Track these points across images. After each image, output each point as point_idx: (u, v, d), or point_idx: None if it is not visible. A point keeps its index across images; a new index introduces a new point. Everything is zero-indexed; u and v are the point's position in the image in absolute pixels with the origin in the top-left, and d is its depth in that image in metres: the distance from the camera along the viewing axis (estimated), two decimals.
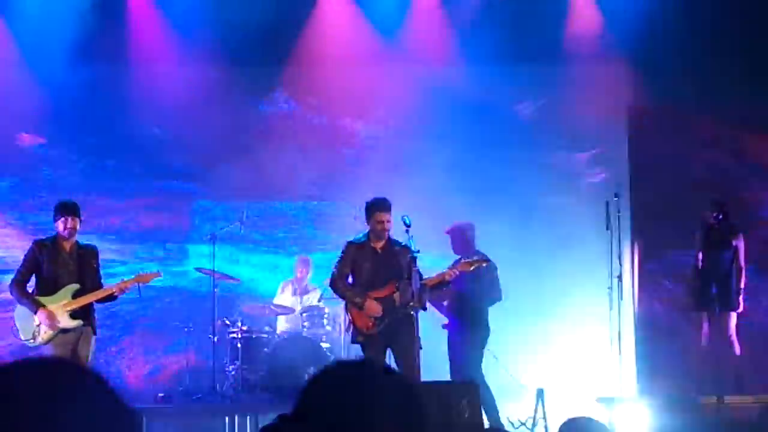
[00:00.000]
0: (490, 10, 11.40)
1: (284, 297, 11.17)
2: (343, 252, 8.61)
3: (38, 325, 8.22)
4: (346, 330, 8.92)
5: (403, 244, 8.48)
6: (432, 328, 9.23)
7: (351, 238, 8.76)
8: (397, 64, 11.94)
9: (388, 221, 8.39)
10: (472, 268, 8.73)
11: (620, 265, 9.51)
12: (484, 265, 8.79)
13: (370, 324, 8.33)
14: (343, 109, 12.07)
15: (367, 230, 8.60)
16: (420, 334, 8.26)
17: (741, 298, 9.36)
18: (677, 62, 11.12)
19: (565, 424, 3.91)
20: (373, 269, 8.43)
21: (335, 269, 8.61)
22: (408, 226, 8.28)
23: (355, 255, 8.50)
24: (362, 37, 11.80)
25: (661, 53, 11.22)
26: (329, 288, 8.87)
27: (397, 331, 8.19)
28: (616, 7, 11.47)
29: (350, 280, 8.62)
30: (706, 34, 11.00)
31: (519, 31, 11.28)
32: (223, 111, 11.98)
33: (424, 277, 8.41)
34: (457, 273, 8.50)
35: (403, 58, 11.85)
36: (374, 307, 8.32)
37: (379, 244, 8.46)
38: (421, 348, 8.31)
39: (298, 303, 11.09)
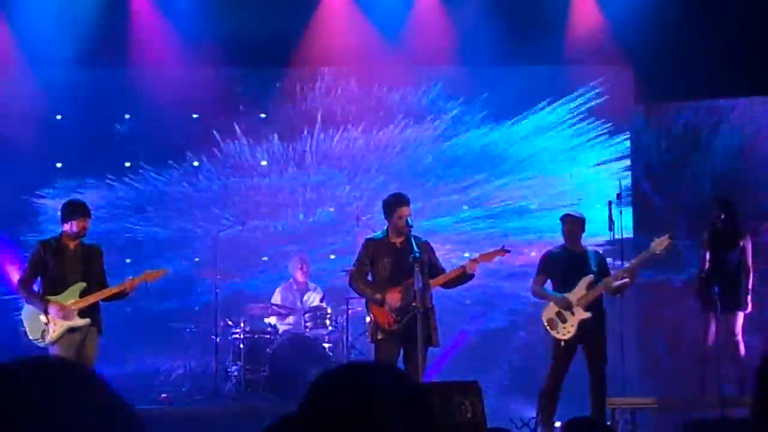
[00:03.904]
0: (492, 11, 11.39)
1: (280, 300, 11.15)
2: (361, 249, 8.50)
3: (46, 324, 8.22)
4: (366, 330, 8.82)
5: (423, 240, 8.43)
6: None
7: (370, 235, 8.69)
8: (399, 63, 11.95)
9: (408, 216, 8.30)
10: (493, 260, 8.66)
11: (623, 265, 9.50)
12: (504, 255, 8.69)
13: (392, 320, 8.24)
14: (344, 109, 12.07)
15: (385, 227, 8.46)
16: (438, 333, 8.25)
17: (749, 298, 9.36)
18: (680, 63, 11.11)
19: (567, 424, 3.90)
20: (392, 265, 8.29)
21: (354, 267, 8.50)
22: (409, 226, 8.23)
23: (374, 251, 8.37)
24: (364, 37, 11.80)
25: (663, 54, 11.22)
26: (348, 286, 8.75)
27: (412, 330, 8.06)
28: (618, 8, 11.46)
29: (370, 277, 8.45)
30: (709, 35, 10.99)
31: (520, 31, 11.28)
32: (224, 112, 12.00)
33: (447, 270, 8.36)
34: (477, 266, 8.38)
35: (405, 58, 11.86)
36: (395, 298, 8.20)
37: (399, 240, 8.31)
38: (438, 345, 8.30)
39: (298, 303, 11.08)
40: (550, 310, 8.79)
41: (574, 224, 8.95)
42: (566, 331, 8.71)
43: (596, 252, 9.09)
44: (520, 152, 12.06)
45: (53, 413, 1.45)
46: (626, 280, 8.79)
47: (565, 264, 8.87)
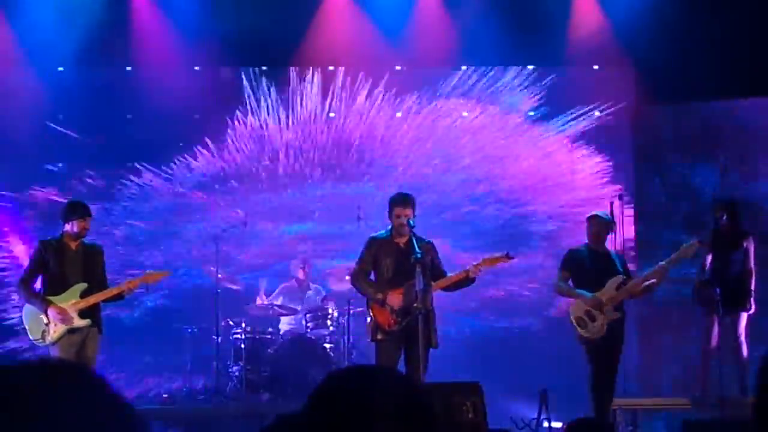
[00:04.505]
0: (494, 12, 11.39)
1: (281, 300, 11.16)
2: (365, 247, 8.44)
3: (47, 324, 8.19)
4: (367, 329, 8.78)
5: (426, 240, 8.41)
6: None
7: (373, 234, 8.64)
8: (400, 64, 11.95)
9: (407, 216, 8.21)
10: (497, 265, 8.61)
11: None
12: (507, 261, 8.55)
13: (392, 321, 8.21)
14: (346, 110, 12.07)
15: (389, 226, 8.38)
16: (437, 334, 8.21)
17: (752, 299, 9.37)
18: (682, 63, 11.10)
19: (571, 425, 3.90)
20: (395, 265, 8.25)
21: (356, 265, 8.47)
22: (411, 227, 8.21)
23: (377, 251, 8.33)
24: (366, 37, 11.79)
25: (665, 54, 11.21)
26: (351, 285, 8.67)
27: (413, 331, 8.02)
28: (620, 8, 11.45)
29: (373, 277, 8.42)
30: (711, 35, 10.98)
31: (522, 32, 11.27)
32: (225, 112, 12.01)
33: (449, 273, 8.33)
34: (481, 269, 8.30)
35: (407, 58, 11.85)
36: (396, 299, 8.17)
37: (402, 240, 8.27)
38: (437, 347, 8.27)
39: (299, 304, 11.09)
40: (579, 309, 8.65)
41: (600, 225, 8.83)
42: (596, 330, 8.58)
43: (618, 254, 9.02)
44: (521, 152, 12.05)
45: (54, 415, 1.45)
46: (654, 281, 8.69)
47: (590, 263, 8.74)
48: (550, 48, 11.49)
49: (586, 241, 8.90)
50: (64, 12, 11.25)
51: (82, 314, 8.25)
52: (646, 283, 8.67)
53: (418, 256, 7.88)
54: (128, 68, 11.92)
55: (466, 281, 8.33)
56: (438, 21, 11.72)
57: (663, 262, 8.70)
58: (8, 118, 11.55)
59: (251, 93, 12.07)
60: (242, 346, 10.39)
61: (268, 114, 12.15)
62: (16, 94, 11.54)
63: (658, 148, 11.58)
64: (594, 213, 9.05)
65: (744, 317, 9.36)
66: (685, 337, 10.24)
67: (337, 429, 1.83)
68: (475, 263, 8.34)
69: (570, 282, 8.82)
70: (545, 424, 8.97)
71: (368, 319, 8.47)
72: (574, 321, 8.69)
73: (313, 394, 1.90)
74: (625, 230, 10.13)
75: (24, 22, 11.41)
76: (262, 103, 12.12)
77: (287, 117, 12.13)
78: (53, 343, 8.22)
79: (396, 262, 8.26)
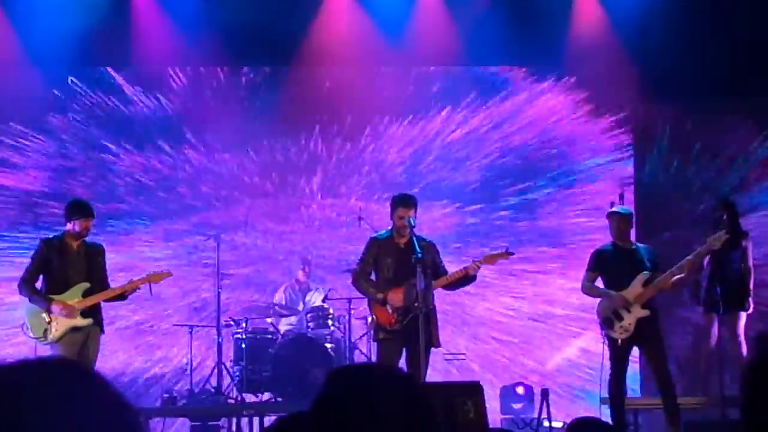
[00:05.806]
0: (495, 11, 11.38)
1: (282, 300, 11.16)
2: (365, 248, 8.48)
3: (49, 323, 8.20)
4: (369, 329, 8.77)
5: (428, 240, 8.43)
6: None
7: (374, 234, 8.66)
8: (402, 64, 11.95)
9: (410, 217, 8.24)
10: (497, 262, 8.57)
11: None
12: (507, 257, 8.51)
13: (393, 320, 8.23)
14: (347, 110, 12.05)
15: (390, 226, 8.42)
16: (438, 333, 8.22)
17: (750, 298, 9.37)
18: (684, 63, 11.10)
19: (572, 424, 3.89)
20: (396, 265, 8.28)
21: (357, 266, 8.50)
22: (411, 227, 8.23)
23: (378, 251, 8.37)
24: (367, 37, 11.79)
25: (666, 54, 11.21)
26: (352, 285, 8.66)
27: (414, 330, 8.02)
28: (621, 8, 11.45)
29: (374, 276, 8.45)
30: (714, 35, 10.98)
31: (523, 31, 11.27)
32: (227, 113, 12.00)
33: (449, 272, 8.32)
34: (480, 267, 8.29)
35: (408, 58, 11.85)
36: (397, 298, 8.19)
37: (403, 240, 8.31)
38: (439, 346, 8.28)
39: (300, 303, 11.09)
40: (606, 308, 8.51)
41: (621, 220, 8.71)
42: (623, 330, 8.43)
43: (647, 248, 8.85)
44: (523, 153, 12.04)
45: (55, 413, 1.45)
46: (682, 275, 8.55)
47: (617, 261, 8.60)
48: (552, 48, 11.49)
49: (612, 239, 8.77)
50: (65, 11, 11.24)
51: (84, 314, 8.27)
52: (675, 278, 8.51)
53: (419, 255, 7.91)
54: (130, 68, 11.91)
55: (466, 279, 8.34)
56: (439, 21, 11.71)
57: (690, 256, 8.55)
58: (9, 118, 11.56)
59: (251, 92, 12.05)
60: (243, 345, 10.39)
61: (268, 113, 12.13)
62: (16, 94, 11.54)
63: (660, 148, 11.58)
64: (613, 209, 8.95)
65: (743, 317, 9.37)
66: (685, 336, 10.23)
67: (339, 428, 1.83)
68: (474, 260, 8.36)
69: (600, 282, 8.67)
70: (546, 423, 8.97)
71: (369, 319, 8.49)
72: (601, 321, 8.57)
73: (317, 395, 1.90)
74: None
75: (25, 20, 11.41)
76: (262, 102, 12.09)
77: (287, 116, 12.10)
78: (55, 342, 8.23)
79: (397, 261, 8.28)
